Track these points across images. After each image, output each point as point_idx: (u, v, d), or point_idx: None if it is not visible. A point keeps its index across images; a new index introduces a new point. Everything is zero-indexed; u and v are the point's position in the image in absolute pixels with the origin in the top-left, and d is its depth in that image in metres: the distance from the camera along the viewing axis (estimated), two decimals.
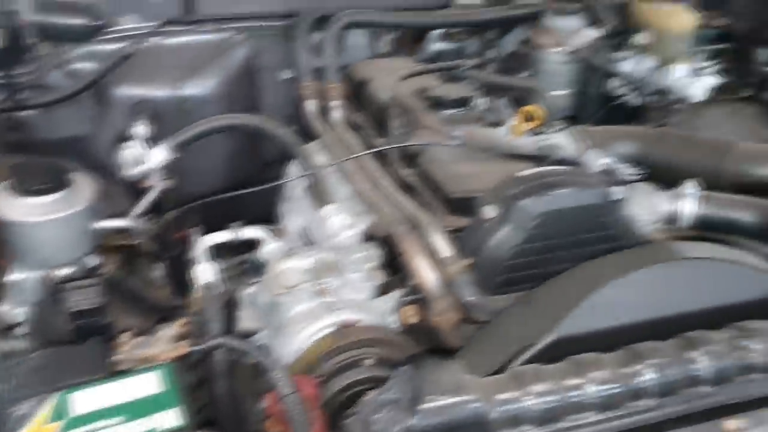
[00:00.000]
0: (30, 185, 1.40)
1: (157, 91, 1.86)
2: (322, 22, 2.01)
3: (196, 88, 1.89)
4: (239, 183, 1.81)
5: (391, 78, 1.90)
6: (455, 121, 1.77)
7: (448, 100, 1.82)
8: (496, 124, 1.84)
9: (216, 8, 2.04)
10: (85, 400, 1.08)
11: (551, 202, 1.36)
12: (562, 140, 1.64)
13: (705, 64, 2.10)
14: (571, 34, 2.07)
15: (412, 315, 1.34)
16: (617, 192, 1.41)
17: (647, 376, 1.04)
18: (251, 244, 1.57)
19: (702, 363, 1.06)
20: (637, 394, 1.03)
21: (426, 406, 0.96)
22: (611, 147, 1.65)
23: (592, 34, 2.08)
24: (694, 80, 2.01)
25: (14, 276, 1.42)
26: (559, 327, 1.10)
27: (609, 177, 1.45)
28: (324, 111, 1.95)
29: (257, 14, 2.03)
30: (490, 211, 1.39)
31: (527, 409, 0.98)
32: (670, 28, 2.06)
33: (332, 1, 2.02)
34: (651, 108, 2.06)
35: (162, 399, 1.08)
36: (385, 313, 1.37)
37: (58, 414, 1.06)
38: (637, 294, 1.15)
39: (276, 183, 1.58)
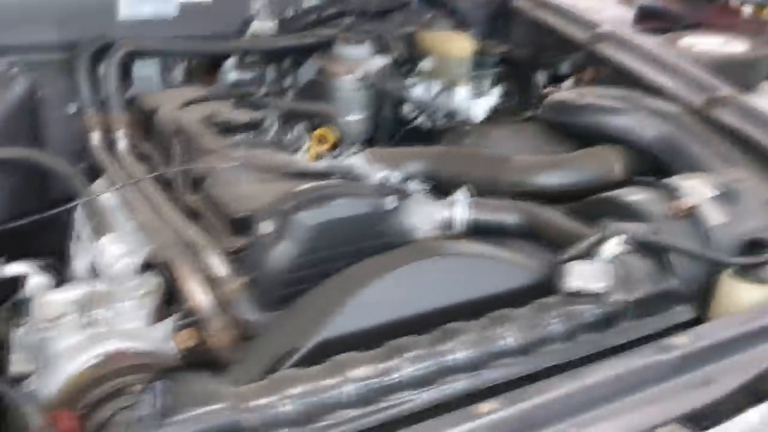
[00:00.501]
0: None
1: None
2: (104, 52, 1.95)
3: None
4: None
5: (177, 106, 1.88)
6: (247, 145, 1.77)
7: (237, 124, 1.82)
8: (291, 147, 1.87)
9: None
10: None
11: (325, 213, 1.39)
12: (355, 161, 1.68)
13: (486, 86, 2.25)
14: (361, 62, 2.14)
15: (187, 338, 1.31)
16: (390, 201, 1.46)
17: (404, 370, 1.06)
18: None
19: (457, 353, 1.10)
20: (395, 387, 1.05)
21: (174, 418, 0.93)
22: (402, 166, 1.73)
23: (380, 61, 2.17)
24: (474, 102, 2.15)
25: None
26: (322, 330, 1.12)
27: (383, 188, 1.49)
28: (110, 143, 1.88)
29: (32, 45, 1.92)
30: (266, 227, 1.39)
31: (282, 413, 0.97)
32: (449, 53, 2.19)
33: (113, 30, 1.96)
34: (440, 130, 2.17)
35: None
36: (161, 339, 1.32)
37: None
38: (398, 292, 1.19)
39: (42, 215, 1.48)
